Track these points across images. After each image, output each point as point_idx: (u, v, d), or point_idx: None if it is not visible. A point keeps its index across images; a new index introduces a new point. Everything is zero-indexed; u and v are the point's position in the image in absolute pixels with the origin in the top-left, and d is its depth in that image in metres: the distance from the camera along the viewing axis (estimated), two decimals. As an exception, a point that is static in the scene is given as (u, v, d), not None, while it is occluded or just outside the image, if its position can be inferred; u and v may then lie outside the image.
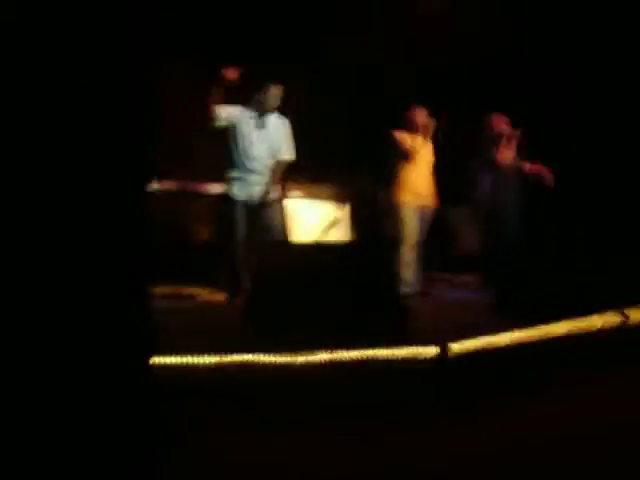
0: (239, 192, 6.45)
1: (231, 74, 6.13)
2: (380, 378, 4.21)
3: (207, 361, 4.01)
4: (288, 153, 6.60)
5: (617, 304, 5.84)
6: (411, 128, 7.16)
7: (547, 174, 7.29)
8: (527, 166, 7.37)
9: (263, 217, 6.50)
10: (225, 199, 6.58)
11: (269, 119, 6.52)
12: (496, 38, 8.92)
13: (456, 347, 4.41)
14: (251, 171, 6.45)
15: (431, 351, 4.33)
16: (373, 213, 7.42)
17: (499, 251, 7.28)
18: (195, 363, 3.98)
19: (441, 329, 5.01)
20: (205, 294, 6.96)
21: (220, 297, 6.66)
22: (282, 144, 6.56)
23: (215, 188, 7.48)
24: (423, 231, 7.20)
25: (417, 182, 7.12)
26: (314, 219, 7.81)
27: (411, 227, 7.07)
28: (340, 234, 7.88)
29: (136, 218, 2.93)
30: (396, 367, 4.23)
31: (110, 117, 2.71)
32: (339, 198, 8.14)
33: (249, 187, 6.45)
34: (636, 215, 7.99)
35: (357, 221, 8.14)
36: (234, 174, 6.48)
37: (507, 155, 7.33)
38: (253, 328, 4.60)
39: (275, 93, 6.46)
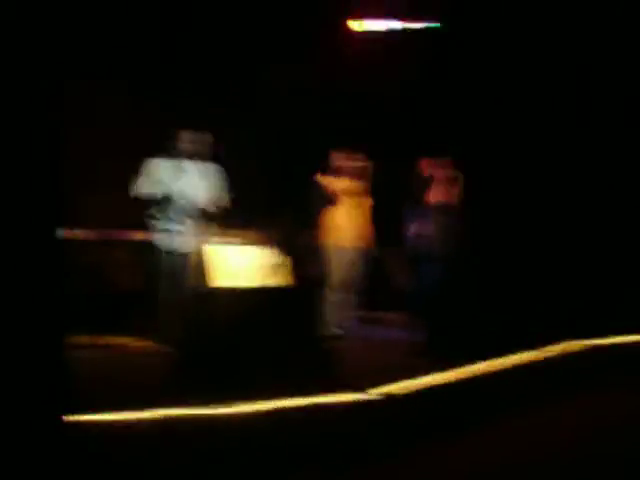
0: (167, 240, 6.40)
1: None
2: (303, 425, 4.20)
3: (127, 417, 3.93)
4: (219, 200, 6.58)
5: (536, 342, 6.01)
6: (336, 172, 7.26)
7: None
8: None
9: (189, 265, 6.45)
10: (152, 247, 6.50)
11: (194, 166, 6.49)
12: (430, 82, 9.18)
13: (378, 391, 4.44)
14: (178, 219, 6.42)
15: (353, 396, 4.34)
16: (298, 256, 7.43)
17: (426, 291, 7.41)
18: (114, 419, 3.90)
19: (366, 372, 5.04)
20: (129, 343, 6.84)
21: (144, 346, 6.55)
22: (211, 191, 6.54)
23: (138, 235, 7.42)
24: (353, 272, 7.24)
25: (343, 224, 7.21)
26: (239, 264, 7.77)
27: (336, 269, 7.13)
28: (266, 279, 7.86)
29: (45, 267, 2.87)
30: (318, 413, 4.23)
31: (18, 165, 2.67)
32: (264, 242, 8.14)
33: (178, 234, 6.40)
34: (556, 260, 8.27)
35: (282, 265, 8.14)
36: (161, 223, 6.43)
37: (436, 197, 7.52)
38: (178, 379, 4.54)
39: (187, 139, 6.44)
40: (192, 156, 6.47)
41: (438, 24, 9.04)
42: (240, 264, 7.78)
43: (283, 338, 4.67)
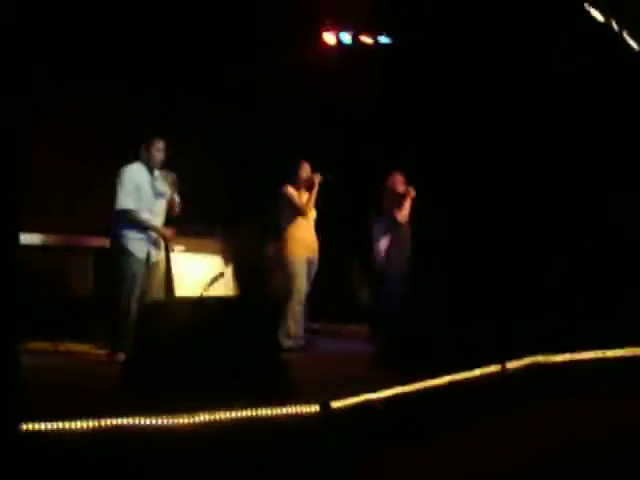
0: (139, 248, 6.30)
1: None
2: (262, 437, 4.15)
3: (81, 426, 3.84)
4: (177, 207, 6.57)
5: (497, 357, 6.02)
6: (298, 182, 7.25)
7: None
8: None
9: (158, 273, 6.43)
10: (121, 254, 6.33)
11: (158, 174, 6.48)
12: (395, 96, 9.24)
13: (337, 404, 4.40)
14: (149, 227, 6.34)
15: (312, 408, 4.30)
16: (258, 268, 7.41)
17: (391, 305, 7.42)
18: (68, 428, 3.81)
19: (324, 385, 4.99)
20: (88, 350, 6.75)
21: (103, 353, 6.45)
22: (172, 198, 6.52)
23: (98, 241, 7.32)
24: (307, 283, 7.25)
25: (305, 236, 7.22)
26: (198, 274, 7.72)
27: (301, 281, 7.11)
28: (224, 289, 7.81)
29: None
30: (277, 426, 4.18)
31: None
32: (224, 252, 8.10)
33: (150, 243, 6.35)
34: (517, 275, 8.33)
35: (242, 276, 8.11)
36: (133, 230, 6.31)
37: (404, 213, 7.56)
38: (132, 389, 4.46)
39: (161, 147, 6.41)
40: (161, 163, 6.44)
41: (390, 39, 9.13)
42: (200, 273, 7.76)
43: (240, 352, 4.60)
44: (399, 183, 7.65)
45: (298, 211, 7.18)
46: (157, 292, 6.40)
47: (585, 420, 5.55)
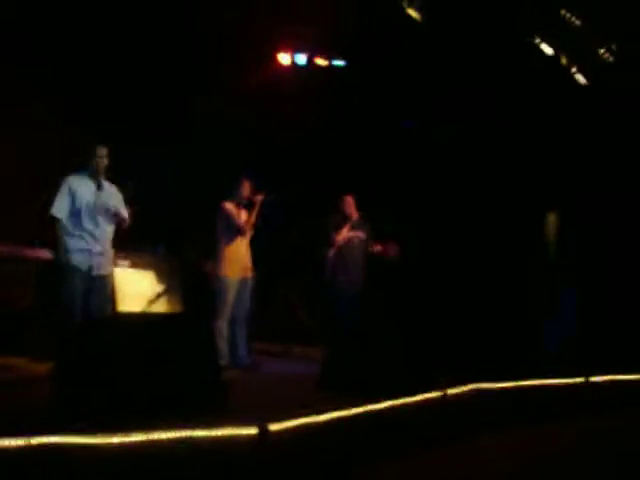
0: (81, 261, 6.17)
1: None
2: (197, 459, 4.09)
3: (12, 444, 3.74)
4: (126, 222, 6.46)
5: (438, 382, 6.05)
6: (238, 200, 7.20)
7: (392, 250, 7.60)
8: (376, 247, 7.66)
9: (102, 287, 6.30)
10: (63, 266, 6.19)
11: (107, 185, 6.37)
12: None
13: (276, 427, 4.36)
14: (93, 239, 6.21)
15: (250, 431, 4.25)
16: (200, 284, 7.34)
17: (341, 327, 7.43)
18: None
19: (264, 406, 4.95)
20: (22, 365, 6.58)
21: (40, 369, 6.29)
22: (119, 209, 6.41)
23: (39, 253, 7.18)
24: (246, 302, 7.18)
25: (240, 255, 7.15)
26: (142, 289, 7.64)
27: (227, 299, 7.04)
28: (167, 305, 7.74)
29: None
30: (214, 447, 4.12)
31: None
32: (167, 268, 8.03)
33: (92, 257, 6.20)
34: (466, 301, 8.44)
35: (184, 292, 8.04)
36: (74, 242, 6.18)
37: (343, 235, 7.59)
38: (64, 406, 4.36)
39: (103, 154, 6.29)
40: (105, 172, 6.33)
41: (344, 62, 9.22)
42: (142, 289, 7.68)
43: (177, 367, 4.54)
44: (347, 205, 7.71)
45: (235, 229, 7.11)
46: (103, 307, 6.26)
47: (523, 448, 5.59)
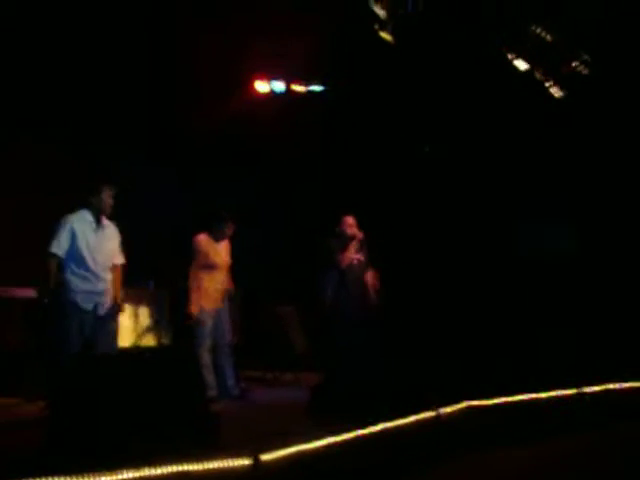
0: (86, 302, 6.08)
1: None
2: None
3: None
4: (122, 257, 6.42)
5: (432, 403, 6.03)
6: (219, 237, 7.18)
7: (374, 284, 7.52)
8: (370, 278, 7.54)
9: (108, 325, 6.22)
10: (63, 305, 6.07)
11: (104, 223, 6.29)
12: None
13: (268, 456, 4.34)
14: (96, 279, 6.14)
15: (242, 462, 4.23)
16: (187, 318, 7.30)
17: (339, 353, 7.38)
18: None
19: (256, 436, 4.92)
20: (16, 405, 6.53)
21: (33, 408, 6.23)
22: (117, 248, 6.37)
23: (25, 292, 7.16)
24: (224, 332, 7.14)
25: (211, 287, 7.10)
26: (131, 324, 7.62)
27: (205, 330, 7.00)
28: (155, 339, 7.72)
29: None
30: (207, 480, 4.10)
31: None
32: (156, 303, 8.02)
33: (96, 297, 6.13)
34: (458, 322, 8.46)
35: (173, 326, 8.02)
36: (79, 283, 6.10)
37: (347, 257, 7.49)
38: (56, 446, 4.34)
39: (110, 194, 6.23)
40: (108, 211, 6.28)
41: (322, 87, 9.28)
42: (132, 324, 7.66)
43: (166, 404, 4.53)
44: (347, 226, 7.57)
45: (205, 264, 7.07)
46: (111, 344, 6.21)
47: (519, 467, 5.59)
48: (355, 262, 7.52)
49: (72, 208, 6.26)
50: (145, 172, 8.63)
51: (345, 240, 7.48)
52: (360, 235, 7.51)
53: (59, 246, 6.09)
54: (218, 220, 7.15)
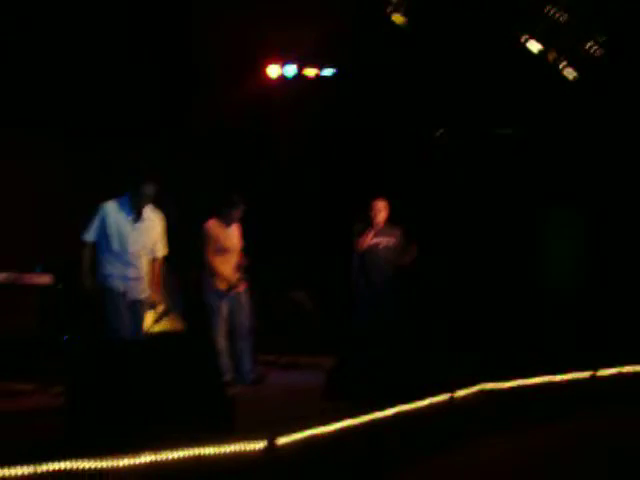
0: (116, 286, 6.11)
1: None
2: (207, 476, 4.10)
3: (21, 472, 3.74)
4: (164, 249, 6.44)
5: (445, 385, 6.05)
6: (228, 221, 7.17)
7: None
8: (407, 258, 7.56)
9: (137, 311, 6.26)
10: (103, 291, 6.11)
11: (145, 215, 6.28)
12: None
13: (284, 440, 4.36)
14: (126, 265, 6.16)
15: (258, 445, 4.25)
16: (201, 302, 7.30)
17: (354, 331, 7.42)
18: (7, 475, 3.71)
19: (271, 420, 4.93)
20: (30, 391, 6.57)
21: (47, 395, 6.29)
22: (157, 240, 6.38)
23: (41, 279, 7.20)
24: (243, 317, 7.13)
25: (226, 270, 7.09)
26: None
27: (222, 314, 7.01)
28: (170, 324, 7.73)
29: None
30: (223, 464, 4.13)
31: None
32: (170, 288, 8.02)
33: (126, 282, 6.15)
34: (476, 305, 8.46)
35: (186, 310, 8.03)
36: (109, 268, 6.13)
37: (364, 241, 7.53)
38: (73, 430, 4.37)
39: (151, 193, 6.21)
40: (147, 204, 6.27)
41: (333, 71, 9.25)
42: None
43: (183, 388, 4.55)
44: (375, 211, 7.61)
45: (216, 248, 7.06)
46: (139, 330, 6.23)
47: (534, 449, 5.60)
48: (381, 247, 7.57)
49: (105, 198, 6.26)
50: (157, 158, 8.63)
51: (369, 225, 7.55)
52: (381, 220, 7.54)
53: (90, 233, 6.14)
54: (229, 204, 7.15)
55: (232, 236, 7.19)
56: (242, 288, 7.16)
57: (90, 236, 6.15)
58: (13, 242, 7.96)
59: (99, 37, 7.99)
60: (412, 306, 8.02)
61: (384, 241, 7.62)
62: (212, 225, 7.12)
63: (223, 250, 7.09)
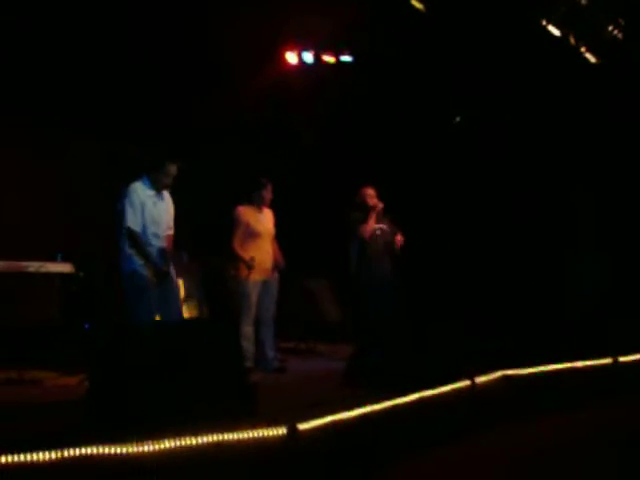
0: (142, 268, 6.03)
1: None
2: (228, 461, 4.12)
3: (46, 457, 3.78)
4: (172, 228, 6.43)
5: (467, 371, 6.04)
6: (259, 203, 7.18)
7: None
8: (398, 239, 7.52)
9: (177, 292, 6.32)
10: (132, 277, 6.04)
11: (164, 194, 6.32)
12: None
13: (305, 425, 4.37)
14: (151, 245, 6.14)
15: (279, 431, 4.27)
16: (223, 289, 7.32)
17: (359, 322, 7.40)
18: (33, 460, 3.74)
19: (292, 406, 4.96)
20: (52, 378, 6.63)
21: (69, 381, 6.34)
22: (171, 220, 6.39)
23: (63, 267, 7.24)
24: (270, 304, 7.14)
25: (261, 257, 7.03)
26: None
27: (249, 302, 6.98)
28: (192, 311, 7.76)
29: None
30: (244, 449, 4.14)
31: None
32: (191, 275, 8.04)
33: (159, 263, 6.11)
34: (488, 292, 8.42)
35: (208, 297, 8.05)
36: (139, 251, 6.05)
37: (369, 228, 7.47)
38: (96, 416, 4.40)
39: (174, 173, 6.21)
40: (168, 186, 6.29)
41: (352, 58, 9.21)
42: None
43: (205, 374, 4.57)
44: (368, 197, 7.55)
45: (247, 232, 7.03)
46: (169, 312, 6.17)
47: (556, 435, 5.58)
48: (379, 232, 7.53)
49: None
50: (171, 145, 8.64)
51: (367, 211, 7.49)
52: (381, 205, 7.51)
53: (134, 222, 6.06)
54: (257, 186, 7.14)
55: (264, 220, 7.17)
56: (274, 276, 7.17)
57: (137, 225, 6.07)
58: (34, 231, 8.01)
59: (119, 36, 8.00)
60: (421, 295, 8.00)
61: (384, 226, 7.60)
62: (242, 210, 7.11)
63: (255, 235, 7.05)
